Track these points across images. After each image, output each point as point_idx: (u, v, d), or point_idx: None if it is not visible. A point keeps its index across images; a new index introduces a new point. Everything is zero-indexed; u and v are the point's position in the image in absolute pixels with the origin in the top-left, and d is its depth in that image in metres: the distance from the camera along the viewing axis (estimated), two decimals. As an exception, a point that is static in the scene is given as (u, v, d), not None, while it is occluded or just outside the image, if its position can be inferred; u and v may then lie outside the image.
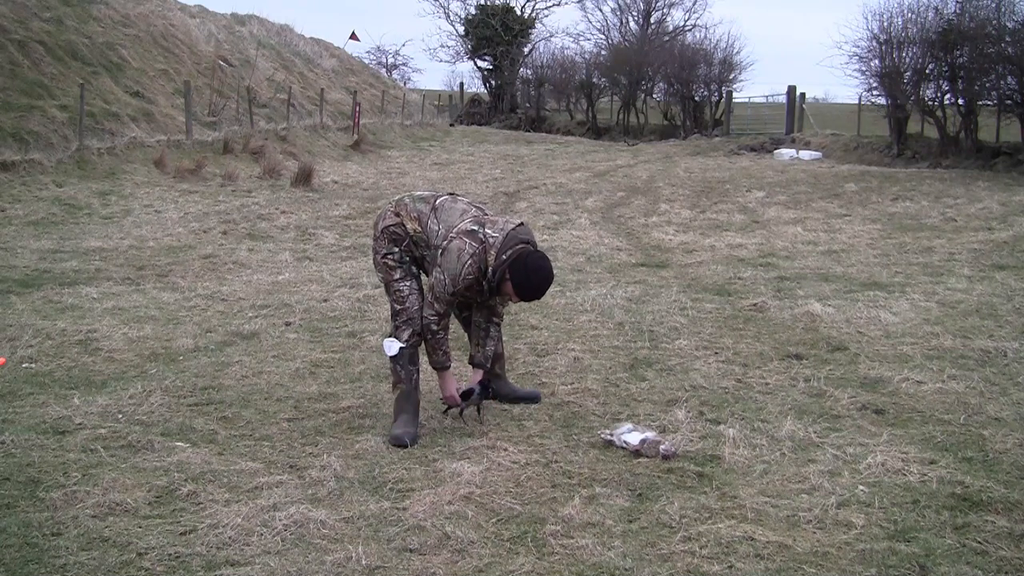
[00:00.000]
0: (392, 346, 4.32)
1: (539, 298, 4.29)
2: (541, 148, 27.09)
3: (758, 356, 5.57)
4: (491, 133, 33.13)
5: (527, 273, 4.12)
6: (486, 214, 4.29)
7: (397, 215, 4.36)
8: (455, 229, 4.19)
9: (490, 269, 4.13)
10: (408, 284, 4.33)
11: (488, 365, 4.53)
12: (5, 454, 3.97)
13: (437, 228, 4.26)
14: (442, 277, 4.16)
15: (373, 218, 11.28)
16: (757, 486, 3.74)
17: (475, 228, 4.17)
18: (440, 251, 4.20)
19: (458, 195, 4.46)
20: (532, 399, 4.77)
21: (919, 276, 8.01)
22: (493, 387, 4.55)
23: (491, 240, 4.13)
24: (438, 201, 4.35)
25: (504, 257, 4.10)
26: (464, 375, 5.03)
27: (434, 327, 4.25)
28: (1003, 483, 3.74)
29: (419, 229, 4.30)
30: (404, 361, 4.33)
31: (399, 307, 4.33)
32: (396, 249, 4.34)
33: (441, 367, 4.34)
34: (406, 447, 4.13)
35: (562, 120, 39.09)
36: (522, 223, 4.28)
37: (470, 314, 4.56)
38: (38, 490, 3.62)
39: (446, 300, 4.22)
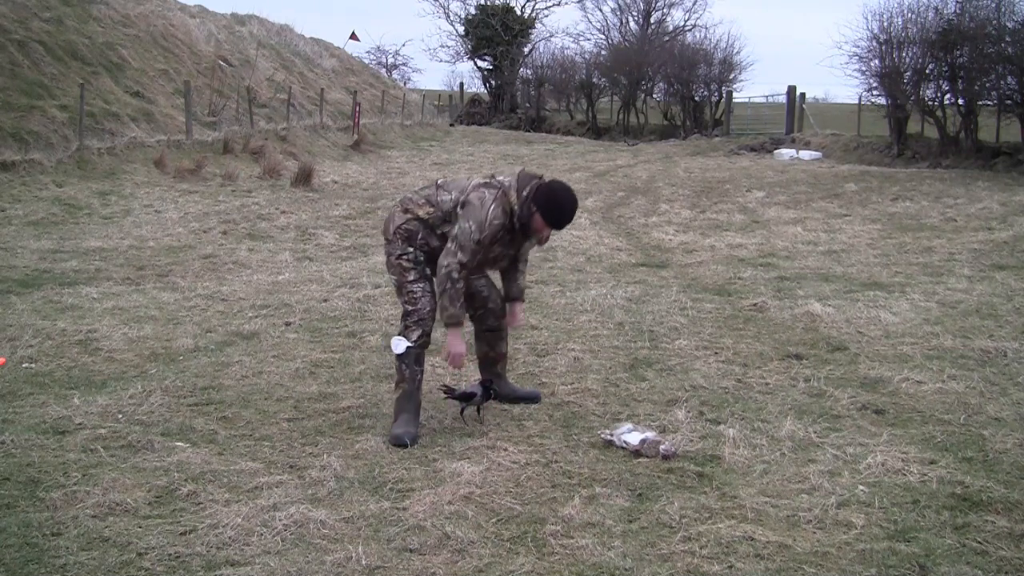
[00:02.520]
0: (400, 344, 4.31)
1: (570, 221, 4.35)
2: (541, 148, 27.09)
3: (758, 356, 5.58)
4: (491, 133, 33.13)
5: (554, 197, 4.23)
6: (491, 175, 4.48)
7: (406, 211, 4.38)
8: (468, 187, 4.32)
9: (515, 208, 4.22)
10: (421, 286, 4.33)
11: (523, 297, 4.66)
12: (5, 454, 3.97)
13: (448, 196, 4.33)
14: (467, 225, 4.17)
15: (373, 218, 11.31)
16: (757, 486, 3.74)
17: (487, 180, 4.34)
18: (460, 207, 4.25)
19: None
20: (532, 399, 4.77)
21: (919, 276, 8.01)
22: (495, 388, 4.55)
23: (506, 184, 4.28)
24: (440, 181, 4.48)
25: (525, 193, 4.22)
26: (467, 376, 5.04)
27: (455, 275, 4.17)
28: (1003, 483, 3.75)
29: (432, 210, 4.33)
30: (410, 360, 4.33)
31: (411, 308, 4.32)
32: (411, 248, 4.34)
33: (456, 322, 4.26)
34: (406, 447, 4.13)
35: (562, 120, 39.11)
36: (523, 169, 4.46)
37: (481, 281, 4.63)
38: (38, 490, 3.62)
39: (471, 249, 4.17)
